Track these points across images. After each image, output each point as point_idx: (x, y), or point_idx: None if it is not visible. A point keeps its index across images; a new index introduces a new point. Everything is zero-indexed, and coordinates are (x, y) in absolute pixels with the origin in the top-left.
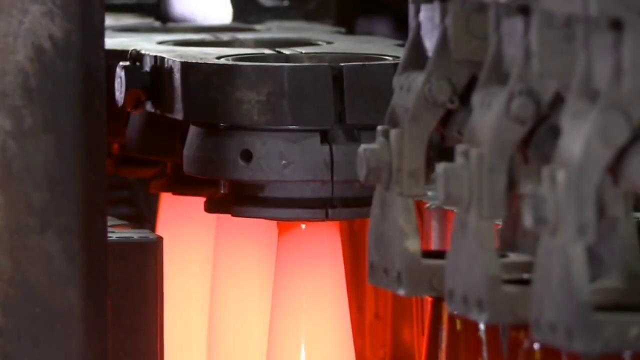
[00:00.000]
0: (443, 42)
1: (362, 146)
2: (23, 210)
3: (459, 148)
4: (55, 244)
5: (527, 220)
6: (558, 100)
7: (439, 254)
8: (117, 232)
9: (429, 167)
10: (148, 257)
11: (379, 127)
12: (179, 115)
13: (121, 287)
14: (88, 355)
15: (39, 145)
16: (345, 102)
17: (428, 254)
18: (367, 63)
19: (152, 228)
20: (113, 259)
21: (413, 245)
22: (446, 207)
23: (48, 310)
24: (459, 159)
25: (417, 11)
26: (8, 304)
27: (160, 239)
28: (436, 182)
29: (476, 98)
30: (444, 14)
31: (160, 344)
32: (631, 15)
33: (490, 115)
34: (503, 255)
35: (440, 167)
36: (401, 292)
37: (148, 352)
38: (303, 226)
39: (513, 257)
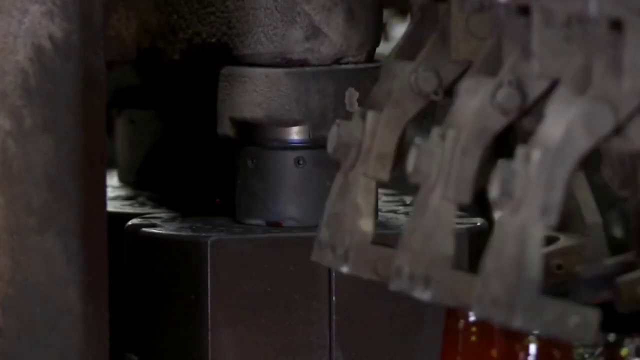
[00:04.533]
0: (438, 35)
1: (337, 121)
2: (23, 210)
3: (437, 129)
4: (55, 244)
5: (493, 191)
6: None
7: (390, 245)
8: None
9: (401, 155)
10: None
11: (358, 109)
12: None
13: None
14: (88, 355)
15: (39, 145)
16: None
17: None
18: None
19: None
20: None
21: (366, 225)
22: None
23: (48, 310)
24: (434, 138)
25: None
26: (8, 304)
27: None
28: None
29: (463, 84)
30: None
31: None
32: (631, 15)
33: (474, 101)
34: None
35: (415, 142)
36: (344, 269)
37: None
38: None
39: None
